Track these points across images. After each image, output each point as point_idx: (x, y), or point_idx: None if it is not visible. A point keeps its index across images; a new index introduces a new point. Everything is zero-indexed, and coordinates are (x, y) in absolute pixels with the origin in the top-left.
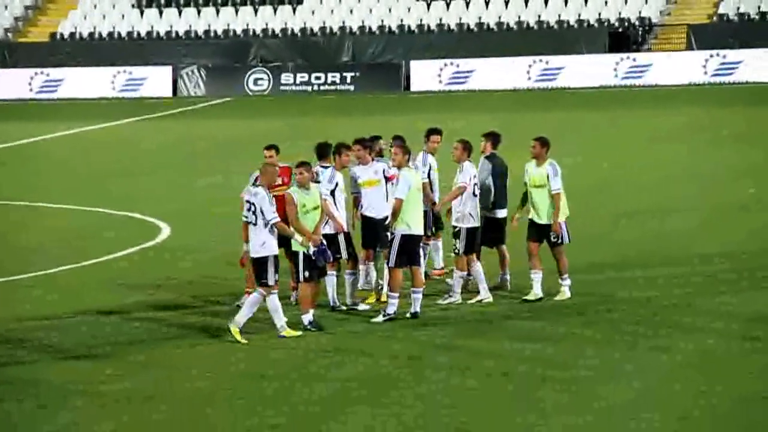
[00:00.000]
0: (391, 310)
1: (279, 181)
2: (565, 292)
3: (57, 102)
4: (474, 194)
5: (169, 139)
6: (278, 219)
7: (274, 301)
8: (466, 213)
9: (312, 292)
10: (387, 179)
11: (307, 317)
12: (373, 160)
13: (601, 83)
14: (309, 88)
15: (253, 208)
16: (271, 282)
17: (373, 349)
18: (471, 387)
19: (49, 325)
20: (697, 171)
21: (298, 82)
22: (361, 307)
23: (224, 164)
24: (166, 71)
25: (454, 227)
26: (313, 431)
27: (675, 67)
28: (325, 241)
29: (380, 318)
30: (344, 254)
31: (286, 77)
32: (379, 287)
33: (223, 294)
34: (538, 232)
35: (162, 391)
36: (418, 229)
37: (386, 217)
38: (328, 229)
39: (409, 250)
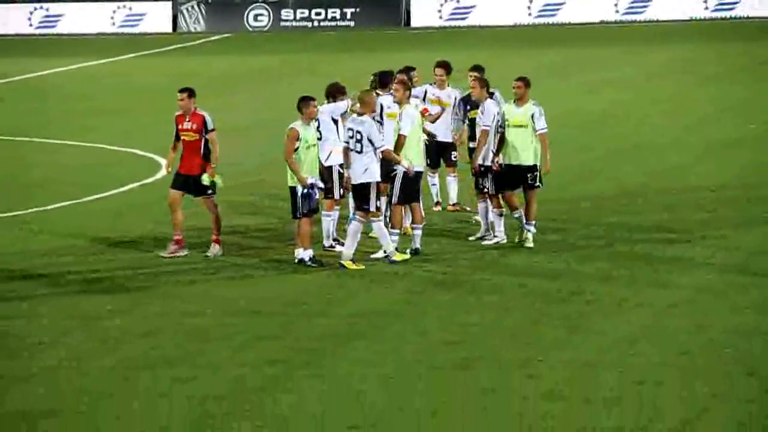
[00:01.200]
0: (391, 247)
1: (189, 126)
2: (530, 239)
3: (56, 37)
4: (496, 132)
5: (168, 75)
6: (387, 146)
7: (380, 227)
8: (490, 151)
9: (309, 229)
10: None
11: (307, 254)
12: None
13: (602, 18)
14: (309, 24)
15: (359, 136)
16: (372, 208)
17: (374, 286)
18: (471, 323)
19: (50, 261)
20: (695, 107)
21: (298, 18)
22: (338, 248)
23: (224, 100)
24: (165, 7)
25: (481, 166)
26: (313, 366)
27: (676, 2)
28: (314, 181)
29: (380, 254)
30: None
31: (286, 13)
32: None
33: (222, 229)
34: (513, 175)
35: (160, 326)
36: (418, 165)
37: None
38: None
39: (410, 187)
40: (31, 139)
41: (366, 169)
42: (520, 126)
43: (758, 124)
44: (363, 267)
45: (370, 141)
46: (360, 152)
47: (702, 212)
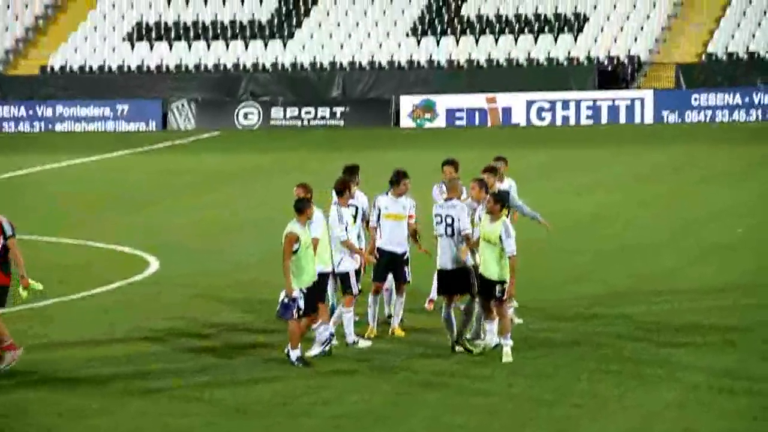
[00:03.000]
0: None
1: None
2: (508, 354)
3: (47, 134)
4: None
5: (158, 172)
6: (471, 230)
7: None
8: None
9: (299, 329)
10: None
11: (295, 353)
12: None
13: (591, 121)
14: (299, 123)
15: (449, 220)
16: (475, 290)
17: (361, 386)
18: (458, 424)
19: (37, 357)
20: (683, 209)
21: (288, 116)
22: (362, 343)
23: (213, 198)
24: (156, 105)
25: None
26: None
27: (664, 104)
28: (297, 296)
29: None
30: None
31: (276, 111)
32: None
33: (209, 326)
34: (485, 286)
35: (145, 425)
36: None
37: (404, 252)
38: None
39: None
40: (19, 236)
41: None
42: (491, 242)
43: (745, 229)
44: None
45: (460, 224)
46: (452, 236)
47: (690, 315)
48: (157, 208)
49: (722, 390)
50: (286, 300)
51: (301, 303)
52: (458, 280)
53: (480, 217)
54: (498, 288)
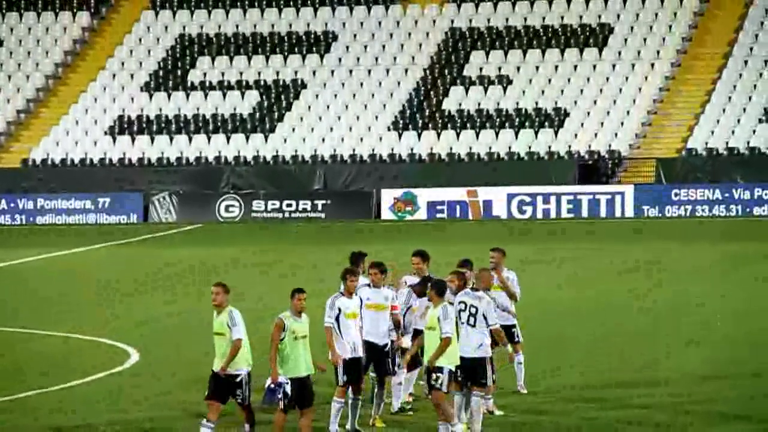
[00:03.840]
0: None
1: None
2: None
3: (27, 227)
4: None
5: (139, 264)
6: (498, 324)
7: (479, 403)
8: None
9: (282, 420)
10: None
11: None
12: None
13: (571, 214)
14: (280, 215)
15: (473, 310)
16: (489, 382)
17: None
18: None
19: None
20: (663, 303)
21: (269, 209)
22: None
23: (194, 290)
24: (137, 197)
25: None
26: None
27: (644, 199)
28: (282, 381)
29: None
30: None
31: (258, 204)
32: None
33: (192, 416)
34: (428, 376)
35: None
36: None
37: (386, 344)
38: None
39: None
40: (2, 328)
41: (480, 345)
42: (431, 328)
43: (724, 322)
44: None
45: (485, 317)
46: (473, 326)
47: (670, 408)
48: (138, 300)
49: None
50: (272, 386)
51: (288, 389)
52: (475, 369)
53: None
54: (434, 376)
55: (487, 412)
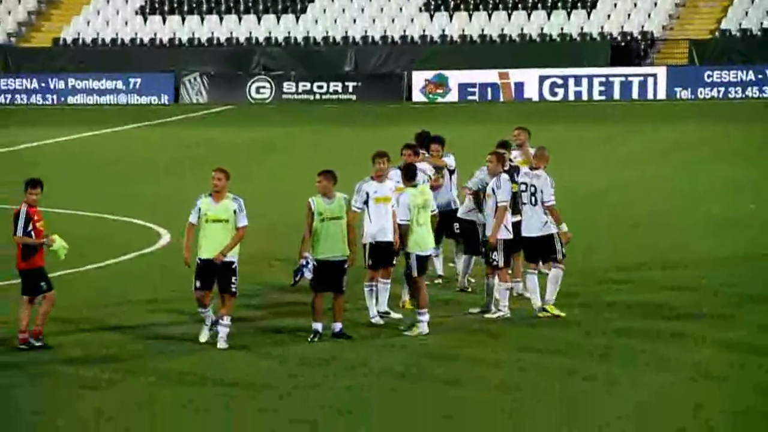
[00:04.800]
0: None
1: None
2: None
3: (59, 107)
4: (511, 205)
5: (170, 145)
6: (554, 202)
7: (558, 275)
8: (502, 225)
9: (318, 302)
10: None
11: (315, 325)
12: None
13: (603, 97)
14: (311, 97)
15: (533, 189)
16: (560, 256)
17: (370, 359)
18: (466, 398)
19: (48, 329)
20: (695, 185)
21: (300, 90)
22: (394, 315)
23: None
24: (168, 78)
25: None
26: None
27: (676, 81)
28: (307, 261)
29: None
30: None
31: (288, 86)
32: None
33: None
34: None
35: (157, 397)
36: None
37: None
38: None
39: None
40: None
41: (545, 222)
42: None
43: (758, 204)
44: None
45: (542, 193)
46: (535, 205)
47: (700, 290)
48: (169, 181)
49: (733, 365)
50: (300, 263)
51: (307, 273)
52: (544, 247)
53: (494, 189)
54: (408, 263)
55: (518, 295)
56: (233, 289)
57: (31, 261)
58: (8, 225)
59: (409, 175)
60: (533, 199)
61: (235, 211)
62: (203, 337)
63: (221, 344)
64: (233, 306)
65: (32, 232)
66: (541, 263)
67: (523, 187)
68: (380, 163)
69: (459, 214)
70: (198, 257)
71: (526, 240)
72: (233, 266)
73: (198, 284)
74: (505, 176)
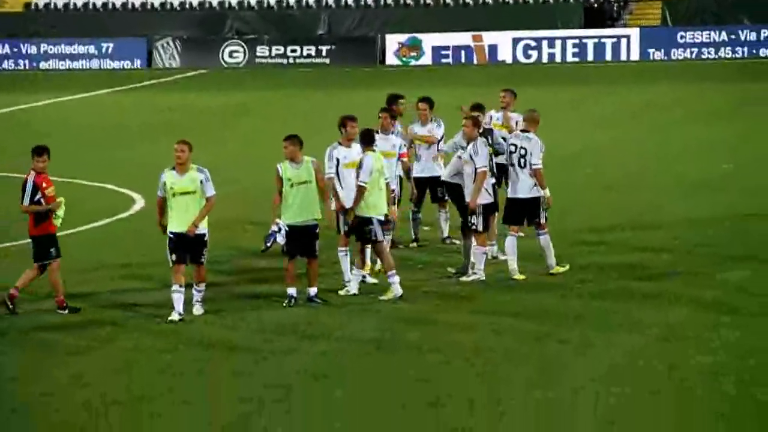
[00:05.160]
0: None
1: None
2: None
3: (31, 72)
4: (492, 170)
5: (144, 110)
6: (540, 165)
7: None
8: (483, 190)
9: (290, 267)
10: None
11: (289, 290)
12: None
13: (577, 58)
14: (284, 61)
15: (523, 152)
16: (543, 220)
17: (345, 323)
18: (443, 360)
19: (24, 296)
20: (671, 146)
21: (273, 54)
22: (369, 280)
23: (199, 136)
24: (141, 43)
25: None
26: (285, 403)
27: (650, 42)
28: (279, 227)
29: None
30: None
31: (262, 50)
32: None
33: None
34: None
35: (134, 362)
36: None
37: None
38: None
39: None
40: (7, 174)
41: (533, 185)
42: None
43: (732, 164)
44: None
45: (531, 155)
46: (524, 167)
47: (674, 252)
48: (143, 146)
49: (706, 325)
50: (269, 231)
51: (280, 238)
52: (529, 210)
53: (471, 155)
54: (366, 228)
55: (492, 258)
56: (202, 260)
57: (41, 227)
58: None
59: (366, 139)
60: (522, 161)
61: (201, 182)
62: (173, 317)
63: (197, 309)
64: (205, 274)
65: (42, 200)
66: (513, 228)
67: (512, 148)
68: (351, 127)
69: (444, 178)
70: (169, 231)
71: (511, 201)
72: (204, 238)
73: (174, 258)
74: (481, 141)
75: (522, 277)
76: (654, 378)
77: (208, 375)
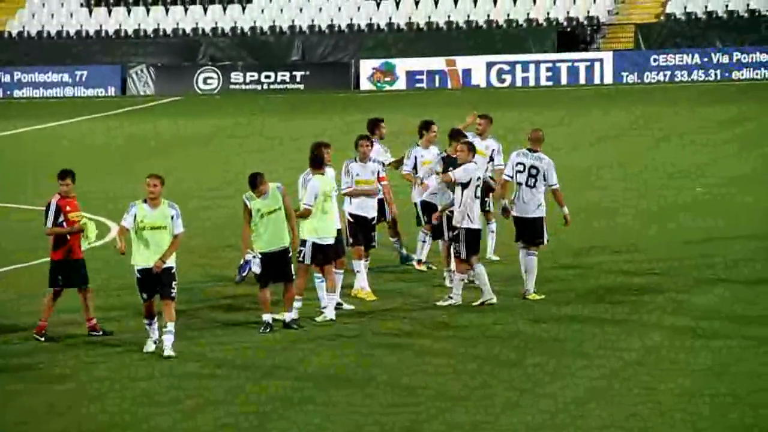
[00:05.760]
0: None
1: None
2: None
3: (5, 101)
4: (476, 195)
5: (118, 138)
6: (558, 185)
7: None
8: (465, 214)
9: (264, 296)
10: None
11: (265, 317)
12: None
13: (551, 82)
14: (259, 87)
15: (534, 171)
16: (545, 240)
17: (322, 348)
18: (420, 385)
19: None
20: (643, 169)
21: (247, 80)
22: (346, 306)
23: (173, 163)
24: (115, 70)
25: (454, 228)
26: (261, 430)
27: (623, 65)
28: (253, 256)
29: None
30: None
31: (236, 76)
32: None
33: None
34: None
35: (108, 390)
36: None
37: (374, 217)
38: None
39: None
40: None
41: (539, 205)
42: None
43: (705, 188)
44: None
45: (545, 177)
46: (533, 187)
47: (650, 275)
48: (118, 174)
49: (682, 348)
50: (241, 262)
51: (255, 267)
52: (533, 229)
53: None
54: (298, 249)
55: (468, 281)
56: (173, 294)
57: (57, 252)
58: None
59: (316, 163)
60: (532, 180)
61: (172, 217)
62: (148, 347)
63: (168, 352)
64: (173, 310)
65: (64, 223)
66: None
67: (520, 168)
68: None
69: (423, 197)
70: (137, 268)
71: (520, 220)
72: (172, 271)
73: (145, 296)
74: (471, 165)
75: (540, 297)
76: (631, 401)
77: (183, 403)
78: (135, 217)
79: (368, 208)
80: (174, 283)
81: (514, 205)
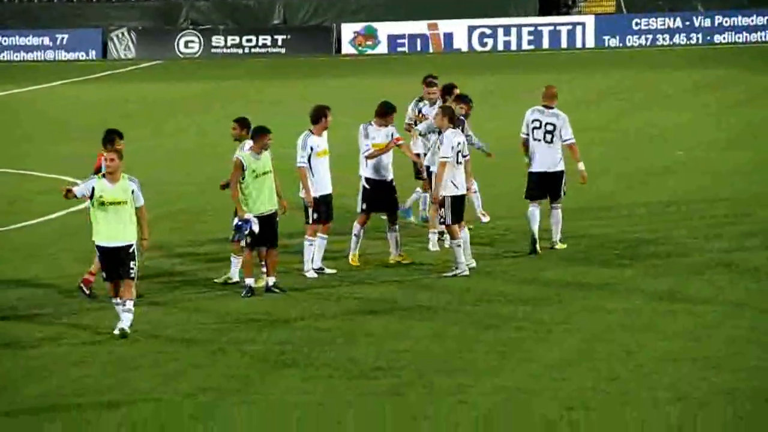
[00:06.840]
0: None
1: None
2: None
3: None
4: (458, 162)
5: (99, 101)
6: (574, 139)
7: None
8: (448, 181)
9: (250, 259)
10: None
11: (248, 280)
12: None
13: (532, 46)
14: (240, 51)
15: (550, 128)
16: (562, 194)
17: (306, 312)
18: (402, 349)
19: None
20: (623, 133)
21: (228, 44)
22: (328, 271)
23: (155, 127)
24: (96, 34)
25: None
26: (244, 393)
27: (605, 29)
28: (249, 218)
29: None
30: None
31: (217, 40)
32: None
33: (152, 257)
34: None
35: (90, 354)
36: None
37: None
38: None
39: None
40: None
41: (559, 159)
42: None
43: (685, 151)
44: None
45: (561, 133)
46: (551, 143)
47: (631, 239)
48: (97, 138)
49: (663, 312)
50: (239, 222)
51: (255, 227)
52: (553, 183)
53: (439, 145)
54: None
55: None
56: (132, 275)
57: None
58: None
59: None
60: (549, 136)
61: (133, 191)
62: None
63: (122, 325)
64: (133, 288)
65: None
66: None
67: (536, 124)
68: (329, 117)
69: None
70: (97, 244)
71: (537, 175)
72: (131, 250)
73: (104, 275)
74: (451, 131)
75: (563, 246)
76: (612, 364)
77: (164, 366)
78: (93, 191)
79: (385, 172)
80: (133, 263)
81: (531, 162)
